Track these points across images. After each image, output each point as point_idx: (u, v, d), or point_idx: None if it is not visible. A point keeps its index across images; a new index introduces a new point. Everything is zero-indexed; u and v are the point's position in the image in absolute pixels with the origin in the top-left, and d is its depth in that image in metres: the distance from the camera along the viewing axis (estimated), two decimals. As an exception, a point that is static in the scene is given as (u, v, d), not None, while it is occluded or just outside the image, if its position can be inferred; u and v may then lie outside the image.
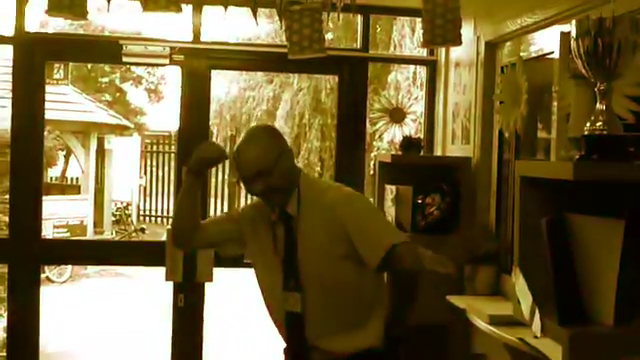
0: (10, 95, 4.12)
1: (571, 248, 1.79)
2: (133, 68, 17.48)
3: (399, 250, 2.44)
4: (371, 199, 3.98)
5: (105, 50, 4.27)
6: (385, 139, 4.50)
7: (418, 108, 4.40)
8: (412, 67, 11.40)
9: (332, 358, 2.59)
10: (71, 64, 12.71)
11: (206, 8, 4.07)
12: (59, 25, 11.51)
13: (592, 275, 1.75)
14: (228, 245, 2.79)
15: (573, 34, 1.78)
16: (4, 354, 4.13)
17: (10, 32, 4.03)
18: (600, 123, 1.75)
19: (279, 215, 2.60)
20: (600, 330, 1.71)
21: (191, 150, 4.03)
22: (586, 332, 1.70)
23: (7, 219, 4.21)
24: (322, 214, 2.52)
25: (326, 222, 2.51)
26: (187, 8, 3.93)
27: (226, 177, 15.29)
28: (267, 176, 2.51)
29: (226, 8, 3.45)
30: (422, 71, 8.55)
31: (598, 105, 1.77)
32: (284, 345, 2.70)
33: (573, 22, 1.80)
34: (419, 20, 3.48)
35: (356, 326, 2.58)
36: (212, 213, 13.32)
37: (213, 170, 13.05)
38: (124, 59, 4.12)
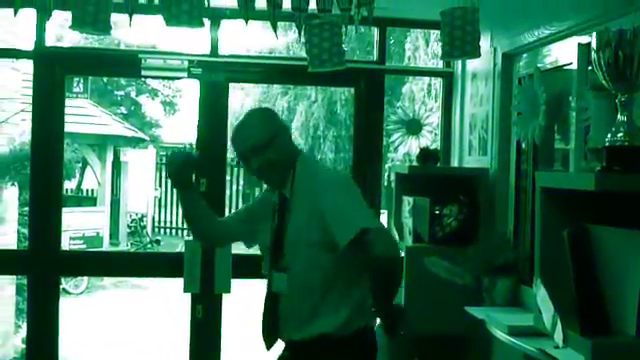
0: (30, 109, 4.16)
1: (593, 259, 1.79)
2: (148, 81, 17.62)
3: (371, 235, 2.37)
4: (384, 211, 3.99)
5: (124, 64, 4.31)
6: (400, 150, 4.50)
7: (434, 119, 4.41)
8: (427, 79, 11.42)
9: (297, 343, 2.61)
10: (90, 78, 12.81)
11: (224, 21, 4.11)
12: (75, 39, 11.64)
13: (614, 286, 1.76)
14: (251, 236, 2.82)
15: (593, 46, 1.79)
16: (24, 365, 4.16)
17: (30, 46, 4.08)
18: (621, 134, 1.75)
19: (279, 197, 2.64)
20: (623, 340, 1.71)
21: (209, 162, 4.11)
22: (609, 342, 1.70)
23: (26, 231, 4.25)
24: (308, 196, 2.54)
25: (309, 204, 2.53)
26: (205, 21, 3.96)
27: (240, 188, 15.36)
28: (264, 151, 2.54)
29: (247, 22, 3.48)
30: (437, 82, 8.58)
31: (619, 116, 1.78)
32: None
33: (593, 34, 1.81)
34: (433, 32, 3.50)
35: (320, 313, 2.57)
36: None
37: (227, 179, 13.02)
38: (143, 72, 4.15)
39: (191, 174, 2.77)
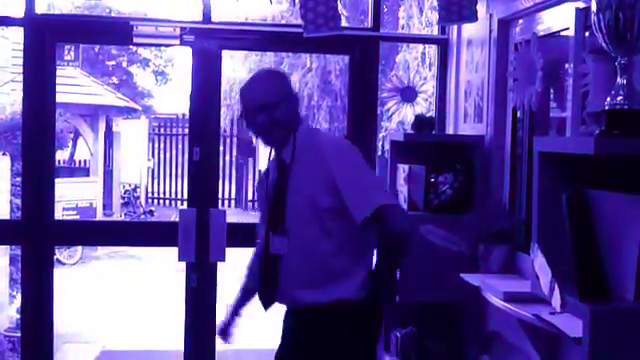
0: (21, 78, 4.11)
1: (592, 224, 1.79)
2: (140, 50, 17.50)
3: (388, 212, 2.45)
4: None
5: (115, 31, 4.25)
6: (395, 119, 4.48)
7: (429, 87, 4.38)
8: (420, 47, 11.34)
9: (305, 308, 2.61)
10: (81, 46, 12.70)
11: (217, -13, 4.06)
12: (66, 7, 11.52)
13: (613, 251, 1.75)
14: None
15: (593, 8, 1.76)
16: (19, 334, 4.16)
17: (20, 14, 4.02)
18: (621, 98, 1.73)
19: (275, 160, 2.67)
20: (621, 305, 1.71)
21: (202, 132, 4.08)
22: (607, 308, 1.70)
23: (19, 201, 4.23)
24: (314, 162, 2.55)
25: (316, 170, 2.54)
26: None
27: (233, 159, 15.34)
28: (272, 109, 2.57)
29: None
30: (431, 51, 8.51)
31: (619, 80, 1.76)
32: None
33: (593, -4, 1.78)
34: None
35: (334, 278, 2.58)
36: (220, 194, 13.38)
37: (220, 149, 13.10)
38: (135, 40, 4.09)
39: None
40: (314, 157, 2.56)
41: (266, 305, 2.72)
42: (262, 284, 2.72)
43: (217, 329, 3.00)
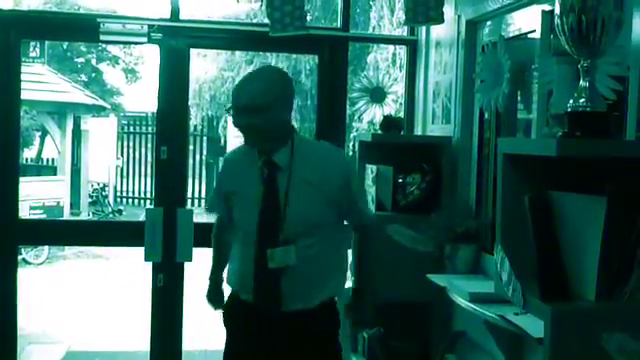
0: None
1: (554, 225, 1.80)
2: (109, 48, 17.33)
3: (370, 222, 2.87)
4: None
5: (82, 28, 4.20)
6: (365, 120, 4.48)
7: (398, 89, 4.39)
8: (391, 48, 11.38)
9: (304, 309, 2.60)
10: (47, 43, 12.53)
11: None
12: (32, 3, 11.36)
13: (575, 252, 1.76)
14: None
15: (557, 11, 1.77)
16: (-19, 335, 4.09)
17: (-16, 9, 3.96)
18: (583, 100, 1.75)
19: (265, 163, 2.57)
20: (582, 305, 1.72)
21: (170, 130, 4.05)
22: (568, 307, 1.71)
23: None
24: (318, 164, 2.57)
25: (322, 170, 2.55)
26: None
27: (203, 157, 15.25)
28: (255, 115, 2.44)
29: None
30: (401, 52, 8.52)
31: (581, 82, 1.77)
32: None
33: (557, -1, 1.79)
34: (399, 0, 3.47)
35: (332, 277, 2.66)
36: (190, 193, 13.28)
37: (190, 149, 12.96)
38: (102, 37, 4.05)
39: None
40: (321, 162, 2.58)
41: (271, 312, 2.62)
42: (259, 296, 2.61)
43: (206, 297, 2.95)
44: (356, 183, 2.75)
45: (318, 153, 2.61)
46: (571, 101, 1.77)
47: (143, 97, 16.30)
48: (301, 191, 2.53)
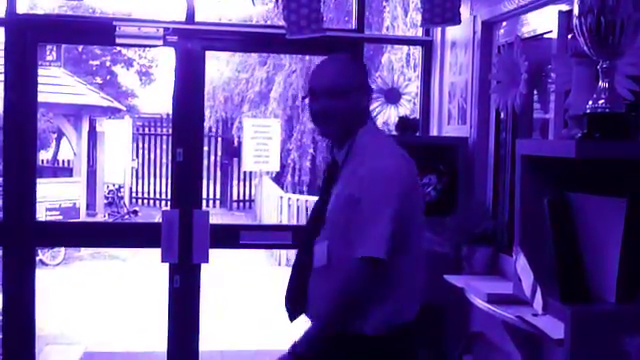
0: (2, 78, 4.08)
1: (573, 227, 1.79)
2: (124, 50, 17.41)
3: (359, 264, 2.24)
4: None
5: (98, 31, 4.22)
6: (379, 121, 4.47)
7: (413, 88, 4.38)
8: (405, 49, 11.36)
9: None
10: (63, 46, 12.60)
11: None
12: (48, 6, 11.43)
13: (594, 253, 1.76)
14: None
15: (576, 12, 1.76)
16: (0, 336, 4.12)
17: (1, 13, 3.98)
18: (602, 101, 1.74)
19: (331, 160, 2.48)
20: (602, 308, 1.71)
21: (186, 133, 4.06)
22: (588, 309, 1.70)
23: (0, 202, 4.20)
24: (355, 167, 2.33)
25: (352, 175, 2.31)
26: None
27: (218, 158, 15.29)
28: (336, 98, 2.33)
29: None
30: (415, 52, 8.48)
31: (600, 83, 1.76)
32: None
33: (575, 0, 1.78)
34: (412, 0, 3.46)
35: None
36: (205, 194, 13.31)
37: (205, 150, 12.98)
38: (117, 40, 4.07)
39: None
40: (354, 177, 2.31)
41: (293, 317, 2.48)
42: (290, 295, 2.47)
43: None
44: (371, 207, 2.27)
45: (361, 155, 2.37)
46: (590, 102, 1.77)
47: (157, 99, 16.39)
48: (341, 190, 2.38)
